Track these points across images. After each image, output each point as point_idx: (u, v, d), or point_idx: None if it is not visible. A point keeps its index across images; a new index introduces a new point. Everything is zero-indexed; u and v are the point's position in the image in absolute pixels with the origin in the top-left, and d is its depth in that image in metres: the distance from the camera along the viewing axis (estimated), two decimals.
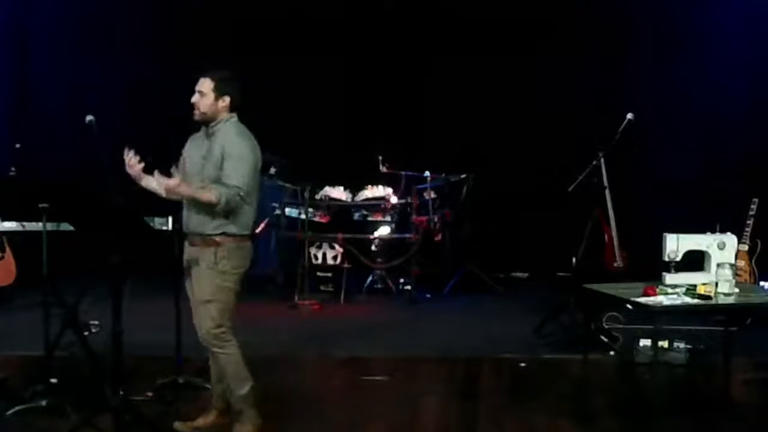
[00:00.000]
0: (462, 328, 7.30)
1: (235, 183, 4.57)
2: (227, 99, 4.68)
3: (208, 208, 4.59)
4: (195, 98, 4.69)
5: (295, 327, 7.29)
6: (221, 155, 4.60)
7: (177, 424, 4.83)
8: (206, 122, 4.71)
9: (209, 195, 4.55)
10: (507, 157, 9.03)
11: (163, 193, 4.73)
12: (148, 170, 4.72)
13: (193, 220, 4.67)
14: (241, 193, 4.58)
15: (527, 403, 5.38)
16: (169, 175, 4.70)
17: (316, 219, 8.55)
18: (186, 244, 4.77)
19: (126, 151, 4.69)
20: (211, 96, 4.66)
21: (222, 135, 4.67)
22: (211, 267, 4.62)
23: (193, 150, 4.78)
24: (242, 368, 4.74)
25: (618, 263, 8.18)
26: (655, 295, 4.70)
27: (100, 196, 4.62)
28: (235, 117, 4.75)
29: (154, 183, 4.75)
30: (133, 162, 4.69)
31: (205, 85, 4.67)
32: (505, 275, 9.25)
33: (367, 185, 8.66)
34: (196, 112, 4.70)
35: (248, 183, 4.62)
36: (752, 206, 7.37)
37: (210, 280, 4.63)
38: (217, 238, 4.62)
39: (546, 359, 6.22)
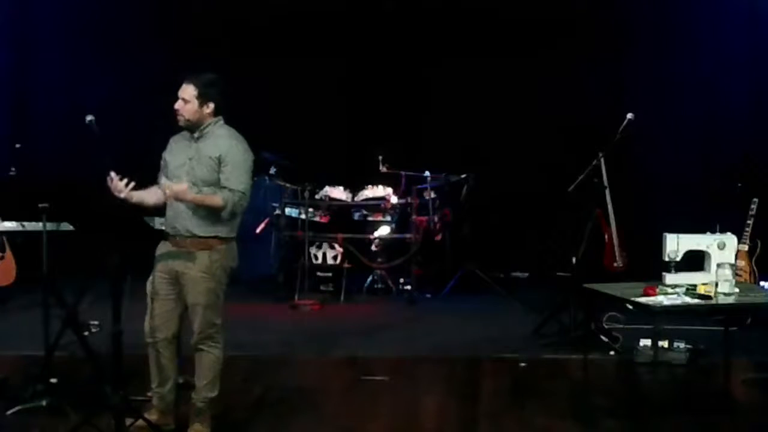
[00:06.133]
0: (462, 328, 7.30)
1: (239, 188, 4.61)
2: (211, 105, 4.67)
3: (205, 211, 4.60)
4: (178, 105, 4.65)
5: (295, 327, 7.29)
6: (218, 159, 4.61)
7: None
8: (191, 128, 4.70)
9: (217, 200, 4.58)
10: (507, 157, 9.03)
11: (153, 202, 4.71)
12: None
13: (184, 221, 4.63)
14: (246, 198, 4.64)
15: (527, 403, 5.38)
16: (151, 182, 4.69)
17: (316, 219, 8.55)
18: (166, 244, 4.69)
19: (109, 178, 4.55)
20: (195, 103, 4.63)
21: (215, 139, 4.67)
22: (206, 272, 4.62)
23: (177, 151, 4.76)
24: (219, 372, 4.78)
25: (618, 263, 8.19)
26: (655, 295, 4.71)
27: (99, 196, 4.62)
28: (221, 119, 4.75)
29: (146, 195, 4.71)
30: (120, 186, 4.55)
31: (188, 91, 4.64)
32: (505, 275, 9.24)
33: (367, 185, 8.66)
34: (181, 118, 4.67)
35: (248, 186, 4.68)
36: (752, 206, 7.36)
37: (205, 285, 4.63)
38: (210, 241, 4.62)
39: (546, 359, 6.22)
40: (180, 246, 4.65)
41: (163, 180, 4.78)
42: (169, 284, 4.71)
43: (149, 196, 4.74)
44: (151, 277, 4.78)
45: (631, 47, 9.10)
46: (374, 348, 6.55)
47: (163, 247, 4.73)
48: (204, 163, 4.63)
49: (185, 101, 4.64)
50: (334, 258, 8.53)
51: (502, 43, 9.08)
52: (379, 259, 8.61)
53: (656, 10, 8.93)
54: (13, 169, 7.75)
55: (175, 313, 4.74)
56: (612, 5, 9.04)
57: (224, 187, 4.60)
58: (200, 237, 4.62)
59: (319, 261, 8.53)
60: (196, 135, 4.70)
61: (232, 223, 4.69)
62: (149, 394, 4.90)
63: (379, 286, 8.62)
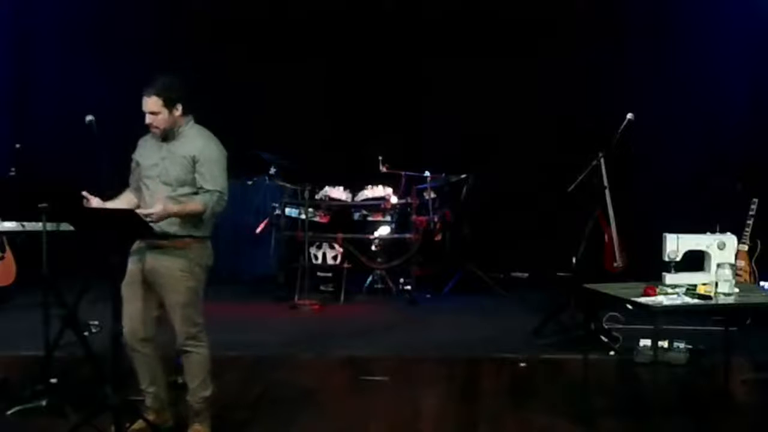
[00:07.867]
0: (462, 328, 7.29)
1: (217, 187, 4.62)
2: (179, 106, 4.66)
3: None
4: (149, 119, 4.64)
5: (295, 327, 7.29)
6: (192, 159, 4.61)
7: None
8: (167, 135, 4.68)
9: (195, 206, 4.59)
10: (507, 156, 9.03)
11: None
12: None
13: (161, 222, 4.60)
14: (225, 197, 4.64)
15: (527, 403, 5.38)
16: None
17: (316, 219, 8.55)
18: (141, 245, 4.67)
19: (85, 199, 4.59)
20: (165, 112, 4.62)
21: (188, 138, 4.68)
22: (185, 270, 4.62)
23: (148, 152, 4.75)
24: (209, 370, 4.77)
25: (618, 263, 8.18)
26: (655, 295, 4.70)
27: (99, 195, 4.62)
28: (192, 119, 4.74)
29: (121, 204, 4.73)
30: (93, 203, 4.58)
31: (153, 103, 4.62)
32: (505, 275, 9.24)
33: (367, 185, 8.66)
34: (156, 130, 4.66)
35: (225, 184, 4.67)
36: (752, 206, 7.37)
37: (185, 284, 4.63)
38: (187, 240, 4.61)
39: (546, 359, 6.22)
40: (156, 246, 4.63)
41: (134, 184, 4.80)
42: (145, 284, 4.70)
43: (124, 203, 4.75)
44: (126, 279, 4.75)
45: (631, 47, 9.09)
46: (374, 348, 6.54)
47: (138, 247, 4.71)
48: (178, 163, 4.63)
49: (154, 114, 4.63)
50: (334, 258, 8.53)
51: (502, 43, 9.08)
52: (379, 259, 8.60)
53: (657, 10, 8.93)
54: (13, 169, 7.75)
55: (153, 313, 4.73)
56: (612, 5, 9.04)
57: (201, 188, 4.60)
58: (176, 236, 4.60)
59: (319, 261, 8.53)
60: (169, 135, 4.70)
61: (208, 222, 4.69)
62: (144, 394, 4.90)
63: (379, 286, 8.61)
